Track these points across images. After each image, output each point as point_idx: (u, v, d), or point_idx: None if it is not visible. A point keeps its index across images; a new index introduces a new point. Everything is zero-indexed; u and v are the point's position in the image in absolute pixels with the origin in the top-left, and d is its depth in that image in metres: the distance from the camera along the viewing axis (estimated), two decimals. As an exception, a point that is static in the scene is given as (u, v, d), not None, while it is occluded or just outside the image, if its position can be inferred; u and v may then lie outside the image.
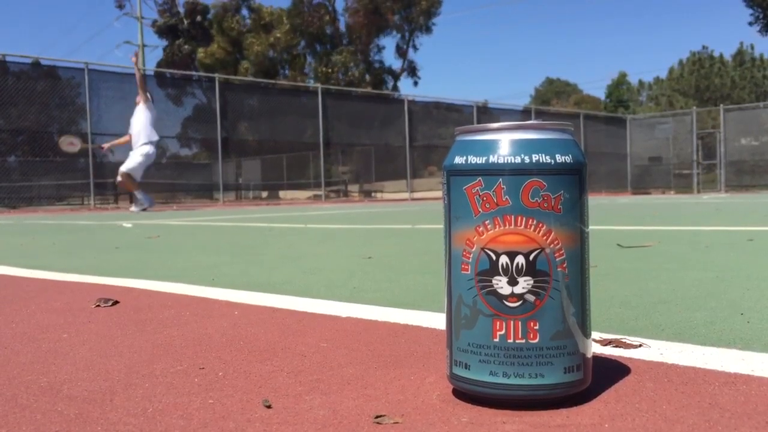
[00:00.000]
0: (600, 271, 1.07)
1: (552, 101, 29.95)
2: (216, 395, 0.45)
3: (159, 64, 20.79)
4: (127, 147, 6.87)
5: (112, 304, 0.85)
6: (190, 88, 13.01)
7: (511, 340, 0.41)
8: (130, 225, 3.42)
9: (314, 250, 1.63)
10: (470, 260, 0.42)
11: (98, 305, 0.85)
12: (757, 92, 25.52)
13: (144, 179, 6.77)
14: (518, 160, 0.41)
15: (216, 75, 11.72)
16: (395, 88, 21.18)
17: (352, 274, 1.14)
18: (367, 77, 20.63)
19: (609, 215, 3.41)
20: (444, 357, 0.54)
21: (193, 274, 1.17)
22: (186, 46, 20.50)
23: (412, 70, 21.57)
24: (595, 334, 0.60)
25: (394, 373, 0.50)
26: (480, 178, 0.41)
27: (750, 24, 21.32)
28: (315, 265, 1.31)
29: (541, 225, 0.41)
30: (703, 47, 32.08)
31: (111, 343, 0.64)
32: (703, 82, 26.69)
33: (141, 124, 6.61)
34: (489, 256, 0.41)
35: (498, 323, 0.41)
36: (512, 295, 0.41)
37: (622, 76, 32.03)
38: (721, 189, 13.98)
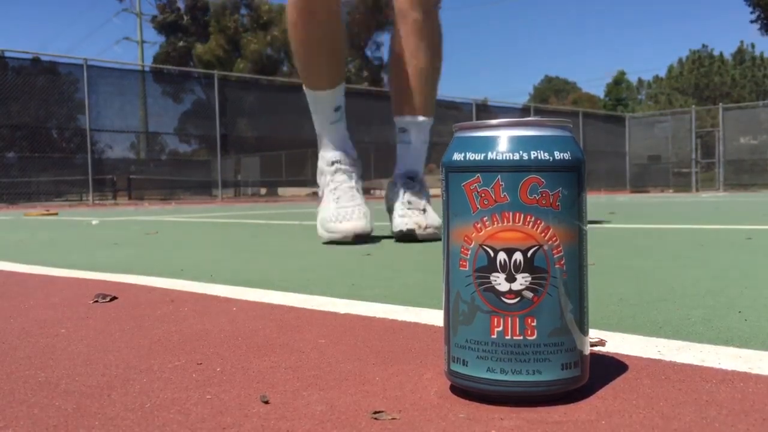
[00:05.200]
0: (597, 269, 1.07)
1: (549, 99, 29.90)
2: (214, 390, 0.45)
3: (156, 60, 20.75)
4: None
5: (111, 300, 0.85)
6: (188, 85, 12.98)
7: (508, 337, 0.41)
8: (129, 220, 3.42)
9: (312, 247, 1.63)
10: (468, 257, 0.42)
11: (96, 301, 0.85)
12: (758, 91, 25.51)
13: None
14: (516, 156, 0.41)
15: (215, 72, 11.70)
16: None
17: (350, 270, 1.14)
18: (365, 73, 20.61)
19: (606, 213, 3.41)
20: (441, 354, 0.54)
21: (191, 271, 1.17)
22: (181, 43, 20.47)
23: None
24: (593, 332, 0.60)
25: (392, 370, 0.50)
26: (478, 174, 0.41)
27: (751, 22, 21.32)
28: (313, 261, 1.31)
29: (539, 222, 0.41)
30: (703, 46, 32.08)
31: (109, 338, 0.64)
32: (703, 81, 26.69)
33: None
34: (487, 252, 0.41)
35: (496, 320, 0.41)
36: (510, 291, 0.41)
37: (621, 75, 32.01)
38: (719, 188, 13.99)
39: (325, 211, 1.74)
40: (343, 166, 1.78)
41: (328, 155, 1.81)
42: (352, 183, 1.77)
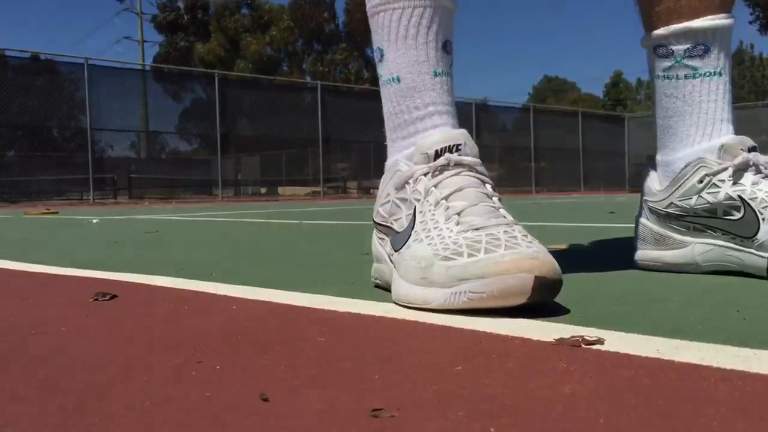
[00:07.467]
0: (597, 268, 1.07)
1: (547, 100, 29.86)
2: (213, 388, 0.46)
3: (156, 60, 20.76)
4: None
5: (111, 299, 0.86)
6: (189, 84, 12.99)
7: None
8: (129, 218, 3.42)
9: (312, 246, 1.64)
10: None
11: (96, 299, 0.85)
12: (756, 91, 25.50)
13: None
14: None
15: (215, 71, 11.71)
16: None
17: (350, 269, 1.14)
18: (365, 74, 20.62)
19: (606, 213, 3.41)
20: (441, 352, 0.54)
21: (191, 269, 1.17)
22: (182, 43, 20.50)
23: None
24: (592, 331, 0.60)
25: (391, 368, 0.50)
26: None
27: (750, 23, 21.29)
28: (313, 260, 1.31)
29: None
30: (703, 46, 31.93)
31: (109, 336, 0.64)
32: (703, 81, 26.59)
33: None
34: None
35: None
36: None
37: (617, 75, 32.02)
38: (719, 188, 13.94)
39: (419, 247, 0.75)
40: (466, 159, 0.79)
41: (426, 141, 0.80)
42: (488, 190, 0.78)
